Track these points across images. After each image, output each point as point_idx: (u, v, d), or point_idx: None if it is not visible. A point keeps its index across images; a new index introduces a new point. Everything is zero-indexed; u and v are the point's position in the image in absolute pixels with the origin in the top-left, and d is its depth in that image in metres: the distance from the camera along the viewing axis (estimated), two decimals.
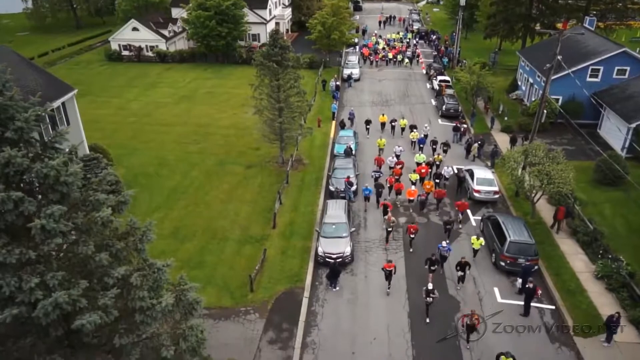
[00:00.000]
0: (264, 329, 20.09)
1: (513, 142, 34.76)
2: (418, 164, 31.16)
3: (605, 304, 20.72)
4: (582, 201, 27.49)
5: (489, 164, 33.03)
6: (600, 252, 23.22)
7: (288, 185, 30.61)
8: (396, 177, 29.53)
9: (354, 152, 33.22)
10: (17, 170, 8.21)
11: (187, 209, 28.40)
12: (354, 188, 28.86)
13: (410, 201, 28.33)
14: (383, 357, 18.46)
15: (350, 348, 19.14)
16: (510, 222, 23.97)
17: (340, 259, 23.06)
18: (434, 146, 34.75)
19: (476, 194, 28.47)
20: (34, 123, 8.83)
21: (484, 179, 28.75)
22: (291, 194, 29.91)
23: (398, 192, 28.61)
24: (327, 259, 23.17)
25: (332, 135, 38.40)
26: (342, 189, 28.69)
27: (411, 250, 24.74)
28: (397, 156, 32.52)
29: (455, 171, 31.10)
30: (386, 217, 25.59)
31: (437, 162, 32.04)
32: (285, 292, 22.02)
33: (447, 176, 30.46)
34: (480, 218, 26.91)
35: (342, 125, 38.42)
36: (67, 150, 9.60)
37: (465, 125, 38.46)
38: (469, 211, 27.66)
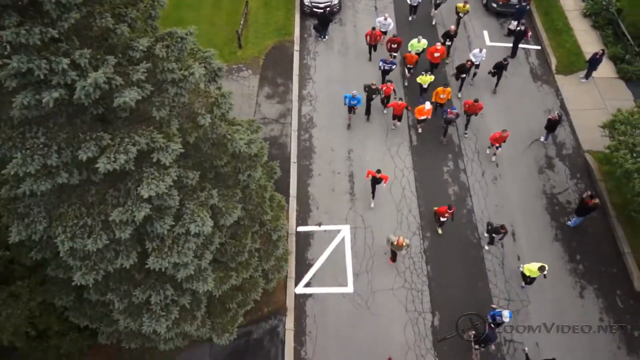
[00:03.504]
0: (259, 85, 20.30)
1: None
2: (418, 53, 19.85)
3: (588, 42, 21.40)
4: None
5: None
6: None
7: None
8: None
9: None
10: None
11: None
12: None
13: (420, 121, 18.72)
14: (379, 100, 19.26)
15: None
16: None
17: (329, 8, 21.88)
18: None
19: None
20: None
21: None
22: None
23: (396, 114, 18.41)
24: (314, 9, 21.96)
25: None
26: None
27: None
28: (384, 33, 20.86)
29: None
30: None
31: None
32: (274, 47, 21.50)
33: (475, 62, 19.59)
34: None
35: None
36: None
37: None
38: None
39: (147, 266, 9.95)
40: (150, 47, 8.54)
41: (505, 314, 13.59)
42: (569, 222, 16.73)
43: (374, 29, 19.80)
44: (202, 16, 22.43)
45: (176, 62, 8.57)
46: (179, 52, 8.68)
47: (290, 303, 15.44)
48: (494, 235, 15.80)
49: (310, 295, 15.61)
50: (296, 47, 21.46)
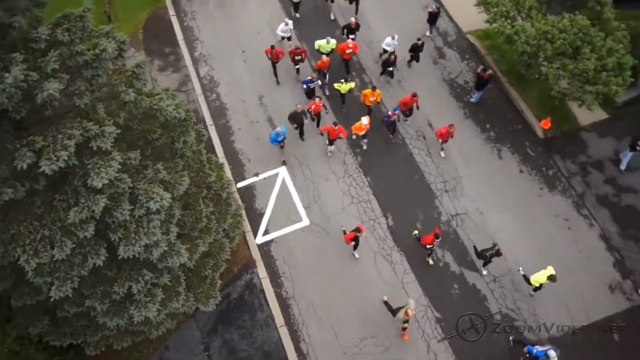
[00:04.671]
0: (149, 60, 19.46)
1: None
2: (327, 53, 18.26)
3: None
4: None
5: None
6: None
7: None
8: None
9: None
10: None
11: None
12: None
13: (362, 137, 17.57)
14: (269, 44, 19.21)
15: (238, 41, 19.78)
16: None
17: None
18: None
19: None
20: None
21: None
22: None
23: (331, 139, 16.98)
24: None
25: None
26: None
27: None
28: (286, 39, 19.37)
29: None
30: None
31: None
32: (149, 18, 20.62)
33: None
34: None
35: None
36: None
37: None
38: None
39: (119, 257, 9.86)
40: (51, 34, 8.08)
41: (552, 354, 12.58)
42: (471, 99, 18.51)
43: (273, 47, 17.64)
44: (63, 2, 20.61)
45: (82, 44, 8.20)
46: (82, 33, 8.31)
47: (256, 254, 15.95)
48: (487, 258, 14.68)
49: (271, 241, 16.18)
50: (171, 12, 20.68)
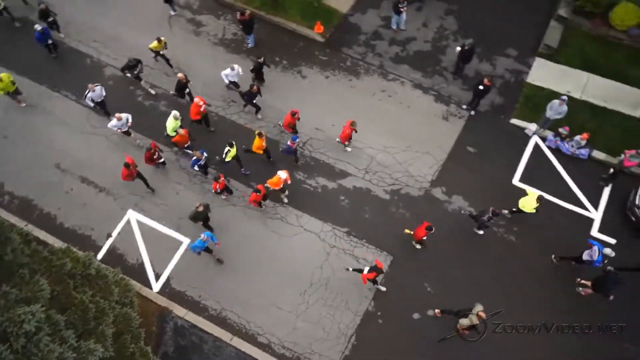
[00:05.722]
0: None
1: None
2: None
3: None
4: None
5: None
6: None
7: None
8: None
9: None
10: None
11: None
12: None
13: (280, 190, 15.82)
14: None
15: None
16: None
17: None
18: None
19: None
20: None
21: None
22: None
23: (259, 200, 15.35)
24: None
25: None
26: None
27: None
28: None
29: None
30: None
31: None
32: None
33: None
34: None
35: None
36: None
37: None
38: None
39: None
40: None
41: (607, 251, 13.17)
42: (249, 44, 18.82)
43: (128, 166, 15.02)
44: None
45: None
46: None
47: (163, 301, 14.92)
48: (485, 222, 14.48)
49: (168, 279, 15.20)
50: None
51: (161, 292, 15.04)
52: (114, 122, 16.15)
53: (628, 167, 15.07)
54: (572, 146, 16.14)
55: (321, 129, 17.11)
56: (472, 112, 17.27)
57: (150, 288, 15.10)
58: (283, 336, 14.23)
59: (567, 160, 16.30)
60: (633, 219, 14.89)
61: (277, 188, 15.15)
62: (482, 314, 12.30)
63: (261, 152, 15.77)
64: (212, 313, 14.66)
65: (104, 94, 16.88)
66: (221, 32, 19.35)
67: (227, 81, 17.09)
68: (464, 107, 17.35)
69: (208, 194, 16.06)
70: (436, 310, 14.18)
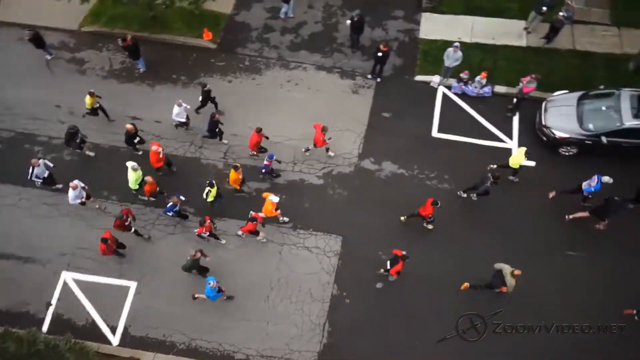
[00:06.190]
0: None
1: None
2: None
3: None
4: None
5: None
6: None
7: None
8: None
9: None
10: None
11: None
12: None
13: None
14: None
15: None
16: None
17: None
18: None
19: None
20: None
21: None
22: None
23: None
24: None
25: None
26: None
27: None
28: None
29: None
30: None
31: None
32: None
33: None
34: None
35: None
36: None
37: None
38: None
39: None
40: None
41: (606, 179, 13.60)
42: (140, 68, 18.08)
43: (106, 240, 13.85)
44: None
45: None
46: None
47: (127, 352, 14.13)
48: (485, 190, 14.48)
49: (126, 329, 14.38)
50: None
51: (122, 344, 14.22)
52: (71, 194, 14.54)
53: (527, 92, 16.09)
54: (475, 87, 17.04)
55: (239, 134, 16.81)
56: (378, 80, 17.70)
57: (110, 343, 14.23)
58: (258, 346, 13.97)
59: (474, 101, 17.19)
60: (544, 138, 16.01)
61: (275, 215, 14.56)
62: (518, 272, 12.29)
63: (238, 186, 15.10)
64: (182, 347, 14.09)
65: (52, 165, 15.34)
66: (107, 64, 18.42)
67: (178, 121, 16.23)
68: (369, 76, 17.74)
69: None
70: (464, 285, 13.81)
